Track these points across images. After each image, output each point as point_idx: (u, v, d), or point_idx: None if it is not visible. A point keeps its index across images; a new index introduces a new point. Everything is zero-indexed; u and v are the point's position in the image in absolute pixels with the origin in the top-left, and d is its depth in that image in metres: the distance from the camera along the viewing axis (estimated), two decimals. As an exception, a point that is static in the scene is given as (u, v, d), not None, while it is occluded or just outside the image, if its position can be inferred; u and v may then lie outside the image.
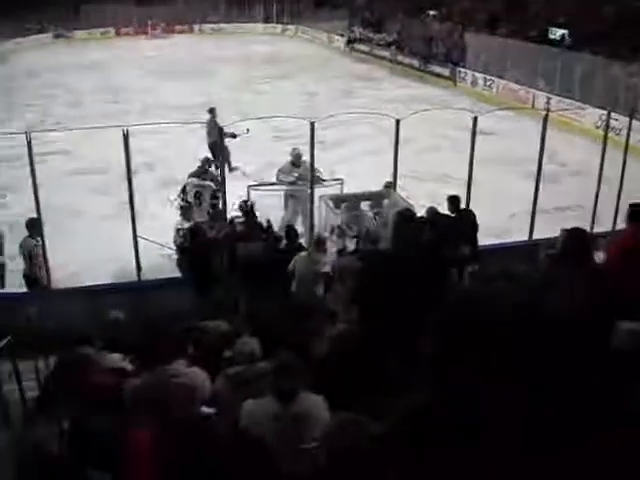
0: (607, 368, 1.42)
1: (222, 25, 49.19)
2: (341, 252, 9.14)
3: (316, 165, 10.09)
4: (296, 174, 11.28)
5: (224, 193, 9.86)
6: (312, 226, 10.12)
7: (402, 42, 33.94)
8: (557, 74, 22.50)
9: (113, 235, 10.63)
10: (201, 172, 11.43)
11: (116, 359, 5.28)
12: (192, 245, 9.08)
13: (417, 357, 1.36)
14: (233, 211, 9.86)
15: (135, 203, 9.21)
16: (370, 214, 10.69)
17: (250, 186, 11.14)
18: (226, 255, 8.81)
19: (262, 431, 3.69)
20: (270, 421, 3.90)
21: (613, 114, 12.01)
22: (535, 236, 10.31)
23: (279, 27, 49.42)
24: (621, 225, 7.89)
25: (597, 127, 17.57)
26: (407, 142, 11.17)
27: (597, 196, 10.59)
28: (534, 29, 27.04)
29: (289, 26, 48.83)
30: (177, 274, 9.48)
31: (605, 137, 10.81)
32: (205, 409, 4.08)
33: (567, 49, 23.93)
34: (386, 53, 34.82)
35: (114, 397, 4.17)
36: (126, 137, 8.71)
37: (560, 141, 16.03)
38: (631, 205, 6.47)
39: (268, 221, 9.63)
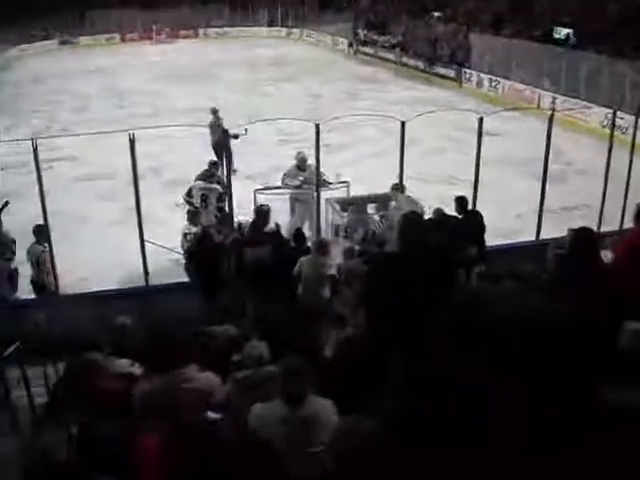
0: (612, 369, 1.41)
1: (227, 29, 49.28)
2: (348, 252, 9.13)
3: (322, 168, 10.09)
4: (302, 178, 11.27)
5: (230, 195, 9.86)
6: (319, 229, 10.12)
7: (407, 44, 33.94)
8: (562, 74, 22.45)
9: (120, 240, 10.66)
10: (207, 175, 11.43)
11: (124, 364, 5.28)
12: (199, 250, 9.08)
13: (423, 357, 1.35)
14: (240, 215, 9.87)
15: (142, 208, 9.23)
16: (376, 217, 10.69)
17: (257, 190, 11.15)
18: (233, 260, 8.80)
19: (270, 435, 3.69)
20: (279, 425, 3.90)
21: (619, 113, 11.98)
22: (542, 236, 10.28)
23: (283, 30, 49.43)
24: (628, 224, 7.86)
25: (603, 126, 17.51)
26: (413, 144, 11.17)
27: (604, 195, 10.55)
28: (539, 29, 26.99)
29: (293, 29, 48.84)
30: (185, 279, 9.49)
31: (611, 136, 10.77)
32: (211, 414, 4.07)
33: (572, 48, 23.89)
34: (391, 55, 34.81)
35: (122, 403, 4.16)
36: (132, 142, 8.73)
37: (566, 140, 16.02)
38: (639, 204, 6.44)
39: (276, 225, 9.63)
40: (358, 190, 11.72)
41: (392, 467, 1.33)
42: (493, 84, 26.19)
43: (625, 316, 3.42)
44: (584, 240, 5.06)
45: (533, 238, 10.46)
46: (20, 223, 9.65)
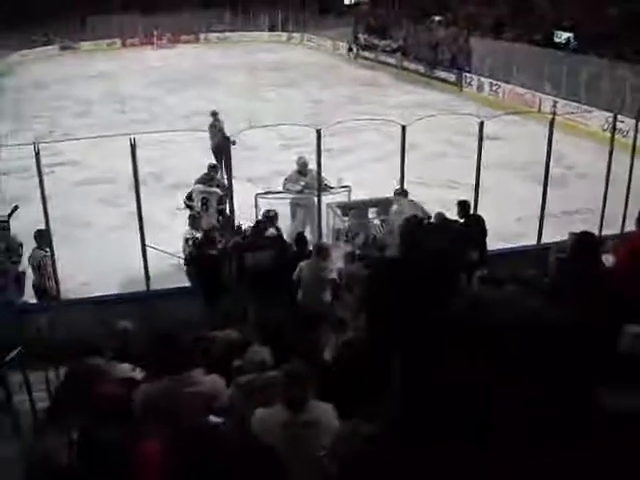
0: (612, 372, 1.42)
1: (227, 34, 49.33)
2: (349, 257, 9.12)
3: (323, 173, 10.08)
4: (303, 183, 11.28)
5: (231, 198, 9.86)
6: (320, 234, 10.12)
7: (407, 48, 33.98)
8: (563, 77, 22.46)
9: (122, 245, 10.66)
10: (207, 179, 11.44)
11: (126, 369, 5.29)
12: (201, 254, 9.09)
13: (423, 362, 1.35)
14: (242, 219, 9.88)
15: (143, 213, 9.24)
16: (376, 221, 10.69)
17: (258, 194, 11.15)
18: (235, 264, 8.81)
19: (272, 439, 3.69)
20: (280, 429, 3.90)
21: (620, 116, 11.99)
22: (543, 240, 10.28)
23: (284, 35, 49.49)
24: (630, 227, 7.86)
25: (604, 130, 17.52)
26: (414, 148, 11.17)
27: (605, 199, 10.54)
28: (539, 33, 27.01)
29: (294, 34, 48.88)
30: (186, 283, 9.50)
31: (612, 139, 10.77)
32: (213, 418, 4.07)
33: (573, 52, 23.91)
34: (391, 59, 34.84)
35: (124, 407, 4.16)
36: (133, 147, 8.74)
37: (567, 144, 16.02)
38: (642, 209, 6.44)
39: (278, 229, 9.63)
40: (359, 194, 11.71)
41: (392, 471, 1.33)
42: (494, 88, 26.21)
43: (626, 319, 3.42)
44: (585, 244, 5.06)
45: (534, 242, 10.45)
46: (22, 227, 9.67)
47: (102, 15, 44.76)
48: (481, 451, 1.19)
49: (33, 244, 9.19)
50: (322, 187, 10.23)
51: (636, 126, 10.99)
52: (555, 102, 21.99)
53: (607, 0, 25.24)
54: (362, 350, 4.56)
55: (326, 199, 10.68)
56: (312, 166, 10.65)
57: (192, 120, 19.88)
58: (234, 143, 10.52)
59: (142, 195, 9.22)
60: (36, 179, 8.73)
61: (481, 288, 5.59)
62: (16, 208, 9.75)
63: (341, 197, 11.45)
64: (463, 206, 9.41)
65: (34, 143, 8.71)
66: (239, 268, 8.75)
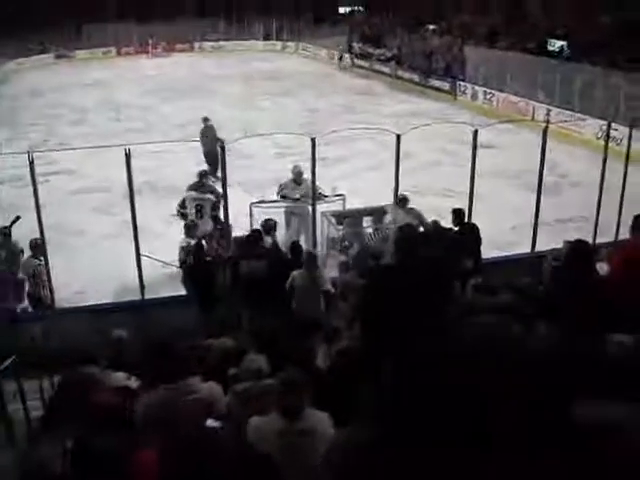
0: (598, 381, 1.43)
1: (222, 43, 49.40)
2: (343, 266, 9.13)
3: (318, 181, 10.11)
4: (298, 191, 11.29)
5: (226, 203, 9.87)
6: (315, 243, 10.13)
7: (402, 57, 34.06)
8: (557, 86, 22.54)
9: (116, 254, 10.65)
10: (198, 185, 11.48)
11: (120, 378, 5.28)
12: (196, 263, 9.09)
13: (417, 369, 1.36)
14: (237, 228, 9.89)
15: (138, 221, 9.23)
16: (370, 230, 10.70)
17: (252, 203, 11.17)
18: (229, 272, 8.81)
19: (268, 448, 3.69)
20: (275, 438, 3.90)
21: (613, 124, 12.04)
22: (537, 248, 10.29)
23: (279, 44, 49.57)
24: (624, 235, 7.88)
25: (597, 138, 17.59)
26: (408, 157, 11.20)
27: (599, 206, 10.57)
28: (533, 41, 27.16)
29: (289, 43, 48.98)
30: (181, 292, 9.49)
31: (606, 147, 10.81)
32: (211, 422, 4.07)
33: (566, 60, 24.02)
34: (386, 68, 34.92)
35: (118, 416, 4.16)
36: (128, 156, 8.74)
37: (561, 152, 16.07)
38: (636, 217, 6.46)
39: (273, 238, 9.64)
40: (354, 203, 11.74)
41: (386, 478, 1.34)
42: (488, 97, 26.29)
43: (619, 328, 3.43)
44: (580, 252, 5.09)
45: (528, 250, 10.47)
46: (16, 236, 9.65)
47: (97, 24, 44.80)
48: (472, 458, 1.20)
49: (27, 254, 9.19)
50: (317, 196, 10.25)
51: (630, 134, 11.04)
52: (549, 110, 22.07)
53: (600, 8, 25.40)
54: (357, 359, 4.57)
55: (321, 208, 10.69)
56: (307, 175, 10.67)
57: (187, 129, 19.87)
58: (222, 145, 10.51)
59: (137, 204, 9.23)
60: (31, 187, 8.73)
61: (475, 296, 5.58)
62: (18, 218, 9.74)
63: (336, 206, 11.47)
64: (457, 214, 9.43)
65: (28, 152, 8.70)
66: (234, 276, 8.75)
